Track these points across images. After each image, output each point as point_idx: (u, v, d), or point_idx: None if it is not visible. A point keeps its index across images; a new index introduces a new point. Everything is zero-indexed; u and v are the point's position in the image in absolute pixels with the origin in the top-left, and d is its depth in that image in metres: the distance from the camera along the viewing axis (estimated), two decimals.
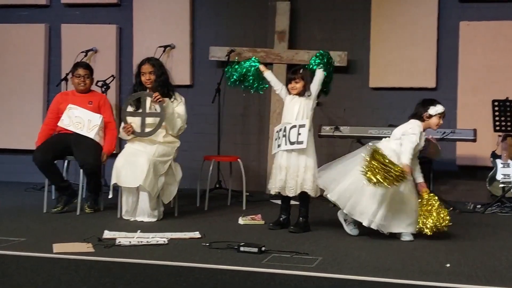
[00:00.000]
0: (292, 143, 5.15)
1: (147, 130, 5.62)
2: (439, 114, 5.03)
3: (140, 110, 5.67)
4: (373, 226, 4.83)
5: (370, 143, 4.99)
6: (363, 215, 4.83)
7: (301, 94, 5.24)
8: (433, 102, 5.07)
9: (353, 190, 4.85)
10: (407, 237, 4.87)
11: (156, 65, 5.75)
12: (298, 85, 5.22)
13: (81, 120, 5.96)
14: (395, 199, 4.83)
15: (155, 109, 5.62)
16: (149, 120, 5.64)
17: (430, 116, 5.01)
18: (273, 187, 5.27)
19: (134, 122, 5.67)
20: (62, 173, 6.54)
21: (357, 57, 7.55)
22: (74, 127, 5.94)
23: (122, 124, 5.71)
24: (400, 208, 4.86)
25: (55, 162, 5.93)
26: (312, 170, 5.15)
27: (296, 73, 5.24)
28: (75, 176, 7.16)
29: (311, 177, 5.14)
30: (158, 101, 5.54)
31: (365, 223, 4.84)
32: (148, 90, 5.72)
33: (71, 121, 5.96)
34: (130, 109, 5.71)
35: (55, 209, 5.88)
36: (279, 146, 5.26)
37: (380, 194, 4.76)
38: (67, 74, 7.10)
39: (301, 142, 5.12)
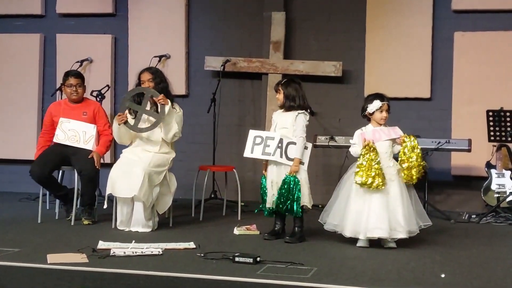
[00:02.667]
0: (289, 159, 5.19)
1: (141, 126, 5.61)
2: (377, 109, 5.11)
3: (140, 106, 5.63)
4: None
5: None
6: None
7: (285, 107, 5.31)
8: (370, 100, 5.16)
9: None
10: (390, 244, 4.94)
11: (155, 72, 5.76)
12: (280, 97, 5.34)
13: (76, 133, 5.92)
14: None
15: (154, 110, 5.61)
16: (145, 118, 5.61)
17: (372, 114, 5.14)
18: (268, 201, 5.29)
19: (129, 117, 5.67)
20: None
21: (352, 67, 7.55)
22: (70, 141, 5.91)
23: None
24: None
25: (52, 173, 5.94)
26: (306, 184, 5.20)
27: (278, 85, 5.39)
28: (69, 186, 7.15)
29: (306, 191, 5.19)
30: (161, 103, 5.54)
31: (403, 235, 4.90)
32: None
33: (66, 136, 5.92)
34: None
35: (68, 219, 5.96)
36: (267, 153, 5.23)
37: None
38: (61, 84, 7.07)
39: (302, 163, 5.23)
